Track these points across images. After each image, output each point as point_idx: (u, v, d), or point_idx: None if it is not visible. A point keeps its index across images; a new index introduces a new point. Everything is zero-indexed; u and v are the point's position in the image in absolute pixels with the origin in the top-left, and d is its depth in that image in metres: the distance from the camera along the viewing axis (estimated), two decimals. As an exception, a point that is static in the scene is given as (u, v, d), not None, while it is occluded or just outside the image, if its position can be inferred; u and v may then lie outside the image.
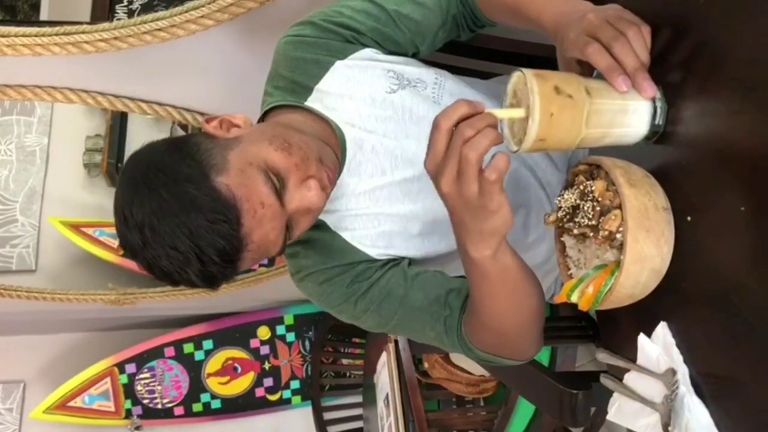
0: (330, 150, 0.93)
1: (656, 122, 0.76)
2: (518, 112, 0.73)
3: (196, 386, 2.54)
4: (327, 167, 0.89)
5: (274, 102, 1.01)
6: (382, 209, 0.98)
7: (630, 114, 0.76)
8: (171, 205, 0.79)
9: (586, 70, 0.78)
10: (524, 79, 0.72)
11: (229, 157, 0.82)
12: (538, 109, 0.71)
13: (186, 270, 0.80)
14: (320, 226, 0.98)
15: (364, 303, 0.97)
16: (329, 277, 0.97)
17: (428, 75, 1.03)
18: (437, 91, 1.02)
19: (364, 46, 1.02)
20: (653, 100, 0.76)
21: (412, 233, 0.99)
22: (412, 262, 1.01)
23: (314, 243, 0.99)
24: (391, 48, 1.04)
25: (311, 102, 1.00)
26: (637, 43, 0.74)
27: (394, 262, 0.99)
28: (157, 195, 0.79)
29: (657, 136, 0.77)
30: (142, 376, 2.50)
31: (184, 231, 0.78)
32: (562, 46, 0.80)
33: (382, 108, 0.99)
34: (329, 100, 0.99)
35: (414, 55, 1.07)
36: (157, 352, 2.51)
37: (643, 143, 0.78)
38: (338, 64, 1.00)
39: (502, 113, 0.74)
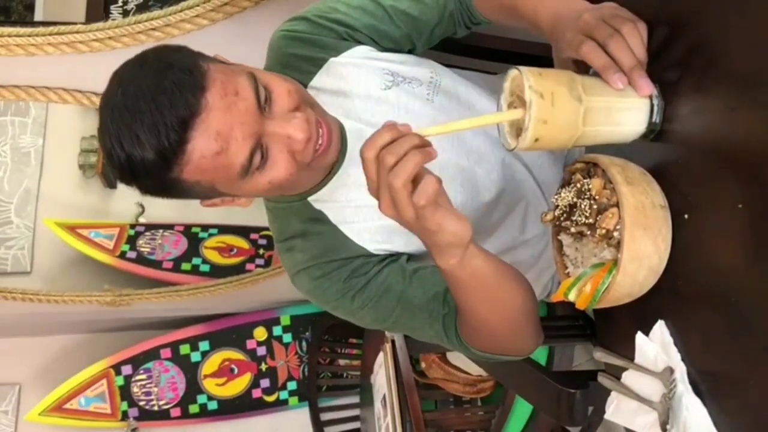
0: (335, 119, 0.91)
1: (653, 120, 0.76)
2: (516, 113, 0.73)
3: (193, 388, 2.53)
4: (322, 118, 0.86)
5: None
6: None
7: (627, 111, 0.75)
8: (151, 65, 0.78)
9: (582, 70, 0.78)
10: (521, 76, 0.72)
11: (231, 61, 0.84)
12: (535, 106, 0.70)
13: (138, 134, 0.75)
14: (320, 219, 0.97)
15: (362, 299, 0.95)
16: (326, 272, 0.96)
17: (423, 73, 1.02)
18: (431, 89, 1.01)
19: (359, 43, 1.01)
20: (650, 97, 0.76)
21: None
22: (410, 257, 1.00)
23: (313, 236, 0.97)
24: (387, 45, 1.03)
25: None
26: (633, 40, 0.73)
27: (393, 258, 0.98)
28: (143, 61, 0.80)
29: (654, 133, 0.77)
30: (138, 377, 2.50)
31: (154, 83, 0.76)
32: (558, 45, 0.80)
33: (377, 103, 0.99)
34: (324, 97, 0.99)
35: (410, 51, 1.06)
36: (153, 354, 2.51)
37: (640, 141, 0.78)
38: (332, 61, 1.00)
39: (473, 122, 0.74)
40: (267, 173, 0.83)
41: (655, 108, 0.76)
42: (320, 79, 1.00)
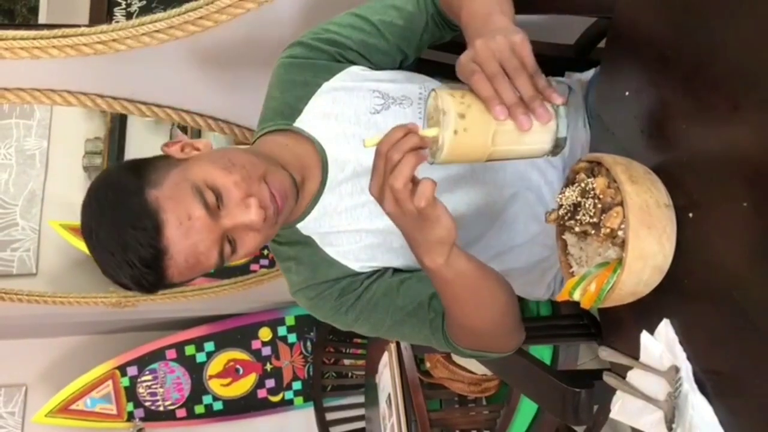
0: (284, 173, 0.94)
1: (559, 136, 0.77)
2: (433, 131, 0.76)
3: (198, 388, 2.54)
4: (273, 187, 0.90)
5: (267, 128, 1.05)
6: (362, 225, 1.02)
7: (533, 133, 0.76)
8: (109, 214, 0.87)
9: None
10: (437, 97, 0.75)
11: (170, 173, 0.88)
12: (449, 126, 0.73)
13: (120, 275, 0.87)
14: (308, 243, 1.03)
15: (355, 313, 1.02)
16: (319, 292, 1.03)
17: (413, 90, 1.05)
18: (423, 104, 1.04)
19: (351, 63, 1.05)
20: (556, 119, 0.76)
21: (393, 246, 1.03)
22: (395, 271, 1.05)
23: (304, 260, 1.04)
24: (378, 60, 1.06)
25: (299, 123, 1.04)
26: (518, 80, 0.74)
27: (379, 273, 1.04)
28: (100, 205, 0.88)
29: (562, 149, 0.78)
30: (143, 378, 2.50)
31: (115, 238, 0.85)
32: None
33: (366, 128, 1.02)
34: (316, 121, 1.03)
35: (402, 62, 1.09)
36: (158, 355, 2.52)
37: (551, 155, 0.79)
38: (325, 86, 1.04)
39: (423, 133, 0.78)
40: (240, 252, 0.91)
41: (560, 126, 0.77)
42: (314, 103, 1.04)
